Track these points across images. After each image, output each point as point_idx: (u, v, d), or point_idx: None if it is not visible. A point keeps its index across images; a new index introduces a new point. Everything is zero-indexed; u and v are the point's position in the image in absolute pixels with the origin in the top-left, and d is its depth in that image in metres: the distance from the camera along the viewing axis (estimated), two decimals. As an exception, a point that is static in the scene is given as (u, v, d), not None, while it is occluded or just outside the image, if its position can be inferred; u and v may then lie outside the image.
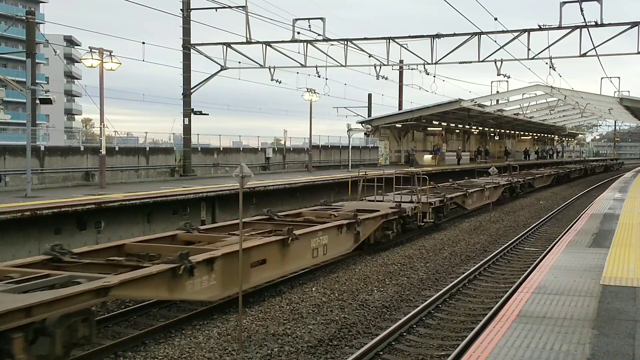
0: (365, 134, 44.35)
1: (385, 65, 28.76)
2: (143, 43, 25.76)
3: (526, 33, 25.76)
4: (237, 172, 9.27)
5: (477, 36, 26.20)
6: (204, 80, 29.33)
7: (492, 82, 43.68)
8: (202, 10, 28.11)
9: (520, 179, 33.97)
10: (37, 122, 28.33)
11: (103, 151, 22.20)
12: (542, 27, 25.25)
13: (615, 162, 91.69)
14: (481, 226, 22.50)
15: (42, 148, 22.78)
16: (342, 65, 28.11)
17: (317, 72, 29.21)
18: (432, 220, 19.94)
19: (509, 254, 16.95)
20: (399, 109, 49.28)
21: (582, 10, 23.34)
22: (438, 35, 26.72)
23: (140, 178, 26.50)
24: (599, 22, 24.17)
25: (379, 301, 11.62)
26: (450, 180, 28.21)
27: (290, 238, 11.74)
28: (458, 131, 58.80)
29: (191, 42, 28.61)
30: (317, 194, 26.68)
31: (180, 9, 28.09)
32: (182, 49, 28.40)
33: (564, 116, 64.55)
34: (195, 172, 29.37)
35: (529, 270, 13.45)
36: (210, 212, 21.15)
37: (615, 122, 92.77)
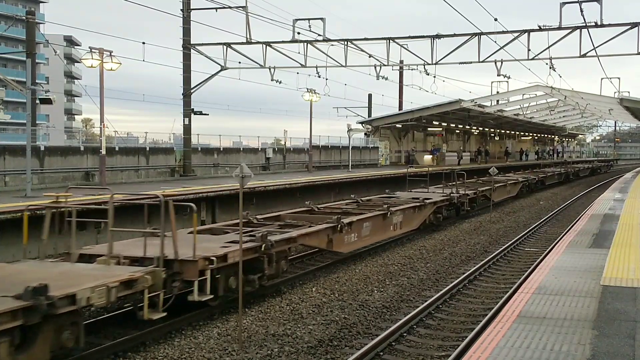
0: (365, 134, 44.38)
1: (385, 65, 28.78)
2: (143, 43, 25.83)
3: (526, 33, 25.76)
4: (237, 172, 9.27)
5: (477, 36, 26.20)
6: (204, 81, 29.35)
7: (492, 82, 43.67)
8: (202, 10, 28.15)
9: (471, 190, 24.94)
10: (37, 122, 28.34)
11: (103, 151, 22.20)
12: (542, 27, 25.25)
13: (604, 164, 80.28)
14: (481, 226, 22.50)
15: (42, 148, 22.77)
16: (342, 66, 28.12)
17: (317, 73, 29.24)
18: (210, 296, 9.59)
19: (509, 255, 16.95)
20: (399, 109, 49.31)
21: (582, 11, 23.37)
22: (438, 36, 26.72)
23: (140, 178, 26.50)
24: (599, 23, 24.17)
25: (379, 301, 11.61)
26: (353, 195, 20.58)
27: None
28: (458, 131, 58.83)
29: (191, 42, 28.61)
30: (317, 194, 26.69)
31: (180, 9, 28.10)
32: (182, 49, 28.40)
33: (564, 117, 64.57)
34: (195, 172, 29.37)
35: (529, 270, 13.45)
36: (210, 212, 21.14)
37: (615, 122, 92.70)
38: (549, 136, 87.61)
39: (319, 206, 17.70)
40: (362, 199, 20.01)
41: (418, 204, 19.35)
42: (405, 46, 27.77)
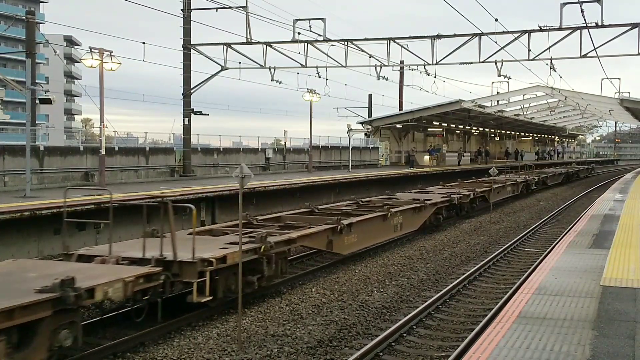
0: (365, 134, 44.36)
1: (385, 65, 28.73)
2: (143, 43, 25.81)
3: (527, 34, 25.73)
4: (237, 172, 9.25)
5: (477, 37, 26.17)
6: (204, 81, 29.32)
7: (492, 82, 43.56)
8: (202, 10, 28.13)
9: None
10: (36, 122, 28.31)
11: (103, 151, 22.18)
12: (542, 28, 25.22)
13: (585, 167, 62.95)
14: (481, 227, 22.48)
15: (42, 148, 22.75)
16: (342, 66, 28.08)
17: (318, 73, 29.19)
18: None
19: (509, 255, 16.93)
20: (399, 110, 49.30)
21: (582, 11, 23.29)
22: (439, 36, 26.69)
23: (140, 178, 26.47)
24: (600, 23, 24.14)
25: (379, 302, 11.60)
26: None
27: None
28: (458, 132, 58.84)
29: (191, 42, 28.59)
30: (317, 194, 26.69)
31: (181, 9, 28.07)
32: (182, 49, 28.38)
33: (564, 117, 64.54)
34: (195, 173, 29.35)
35: (529, 271, 13.44)
36: (210, 213, 21.13)
37: (615, 123, 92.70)
38: (550, 137, 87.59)
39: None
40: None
41: None
42: (405, 46, 27.74)
